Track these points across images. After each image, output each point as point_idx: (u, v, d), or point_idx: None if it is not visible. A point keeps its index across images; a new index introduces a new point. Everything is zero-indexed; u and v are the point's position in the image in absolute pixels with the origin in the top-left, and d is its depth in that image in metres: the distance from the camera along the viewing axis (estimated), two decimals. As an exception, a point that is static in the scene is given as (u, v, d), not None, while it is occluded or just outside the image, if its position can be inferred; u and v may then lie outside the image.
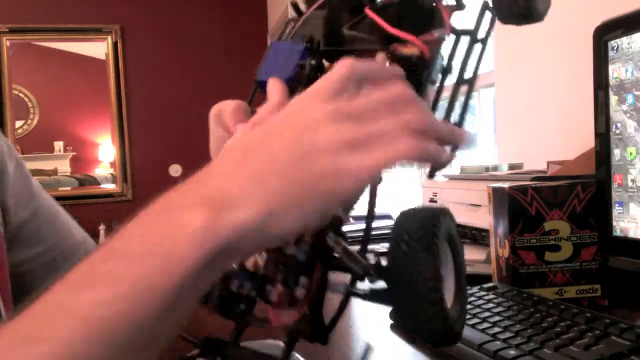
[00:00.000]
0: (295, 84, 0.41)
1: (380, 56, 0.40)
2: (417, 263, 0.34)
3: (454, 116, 0.42)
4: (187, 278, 0.29)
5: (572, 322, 0.61)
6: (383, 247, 1.24)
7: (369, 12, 0.43)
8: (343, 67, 0.34)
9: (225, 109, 0.47)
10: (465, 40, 0.44)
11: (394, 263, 0.34)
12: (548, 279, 0.79)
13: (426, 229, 0.35)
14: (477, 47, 0.45)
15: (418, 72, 0.40)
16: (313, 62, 0.42)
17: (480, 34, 0.45)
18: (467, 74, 0.44)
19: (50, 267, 0.71)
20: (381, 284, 0.36)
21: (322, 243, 0.36)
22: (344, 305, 0.38)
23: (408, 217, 0.36)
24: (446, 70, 0.42)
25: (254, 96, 0.46)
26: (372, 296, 0.37)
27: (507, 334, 0.60)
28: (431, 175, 0.39)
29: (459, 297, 0.37)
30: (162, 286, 0.29)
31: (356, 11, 0.44)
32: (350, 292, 0.37)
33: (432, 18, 0.43)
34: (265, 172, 0.31)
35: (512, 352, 0.56)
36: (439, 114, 0.41)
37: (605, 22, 0.75)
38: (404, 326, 0.36)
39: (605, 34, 0.75)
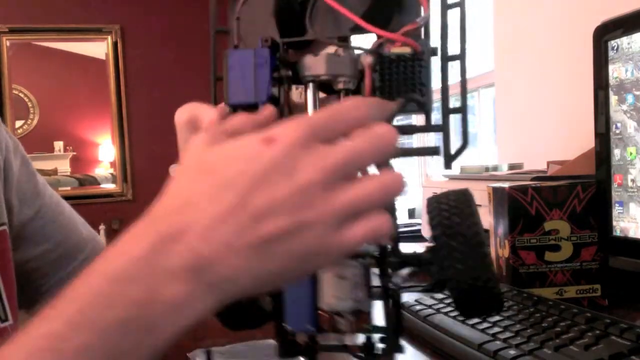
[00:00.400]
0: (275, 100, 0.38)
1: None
2: (471, 238, 0.35)
3: (452, 102, 0.39)
4: (162, 347, 0.29)
5: (572, 322, 0.61)
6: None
7: None
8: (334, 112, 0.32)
9: (201, 117, 0.45)
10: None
11: (446, 244, 0.36)
12: (548, 279, 0.79)
13: (466, 205, 0.37)
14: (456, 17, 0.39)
15: (415, 68, 0.37)
16: (290, 72, 0.38)
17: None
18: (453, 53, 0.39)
19: (55, 265, 0.71)
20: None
21: (388, 286, 0.38)
22: (398, 308, 0.39)
23: (443, 200, 0.37)
24: (434, 52, 0.38)
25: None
26: (426, 289, 0.39)
27: (507, 334, 0.60)
28: (447, 164, 0.38)
29: None
30: (136, 357, 0.29)
31: None
32: (400, 288, 0.38)
33: None
34: (253, 250, 0.30)
35: (512, 352, 0.56)
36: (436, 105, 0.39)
37: (605, 22, 0.75)
38: (459, 303, 0.37)
39: (605, 34, 0.75)
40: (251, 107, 0.38)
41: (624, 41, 0.72)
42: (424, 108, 0.37)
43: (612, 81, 0.74)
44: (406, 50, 0.37)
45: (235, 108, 0.40)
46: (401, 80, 0.37)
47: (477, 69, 2.05)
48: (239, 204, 0.29)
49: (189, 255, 0.29)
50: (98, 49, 3.88)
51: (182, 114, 0.49)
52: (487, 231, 0.88)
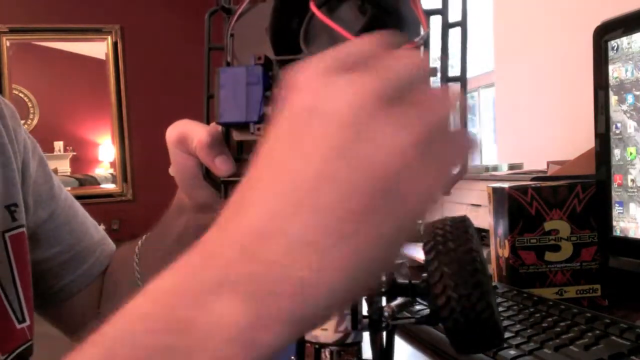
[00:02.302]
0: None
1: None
2: (466, 265, 0.33)
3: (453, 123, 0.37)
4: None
5: (572, 322, 0.61)
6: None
7: (316, 11, 0.35)
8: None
9: (191, 137, 0.44)
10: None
11: (438, 270, 0.34)
12: (548, 279, 0.79)
13: (464, 237, 0.35)
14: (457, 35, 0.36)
15: None
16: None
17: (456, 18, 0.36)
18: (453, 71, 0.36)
19: (65, 268, 0.71)
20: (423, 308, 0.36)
21: (377, 318, 0.36)
22: (390, 343, 0.38)
23: (439, 225, 0.35)
24: (433, 72, 0.35)
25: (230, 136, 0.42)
26: (420, 321, 0.37)
27: (507, 334, 0.60)
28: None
29: None
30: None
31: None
32: (391, 319, 0.37)
33: (396, 7, 0.37)
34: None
35: (512, 352, 0.56)
36: None
37: (605, 22, 0.75)
38: (452, 336, 0.35)
39: (605, 34, 0.75)
40: (242, 127, 0.37)
41: (624, 41, 0.72)
42: None
43: (612, 81, 0.74)
44: None
45: (226, 127, 0.40)
46: None
47: (477, 69, 2.05)
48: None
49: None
50: (98, 49, 3.88)
51: (172, 132, 0.48)
52: (487, 231, 0.88)
